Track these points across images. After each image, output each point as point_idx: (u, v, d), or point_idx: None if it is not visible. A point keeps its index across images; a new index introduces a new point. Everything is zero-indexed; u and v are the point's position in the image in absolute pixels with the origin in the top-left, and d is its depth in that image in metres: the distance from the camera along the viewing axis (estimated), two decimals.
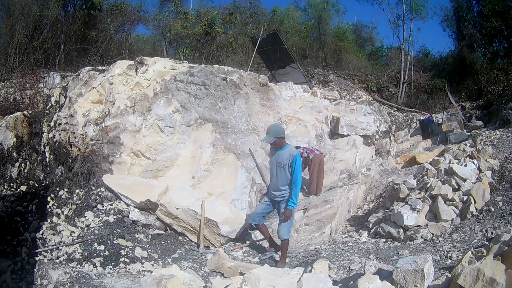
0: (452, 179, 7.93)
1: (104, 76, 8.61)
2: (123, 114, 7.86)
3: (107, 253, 6.02)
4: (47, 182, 7.40)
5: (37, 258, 5.54)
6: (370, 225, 8.11)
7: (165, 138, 8.06)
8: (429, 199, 7.66)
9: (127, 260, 5.98)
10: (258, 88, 11.53)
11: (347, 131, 13.82)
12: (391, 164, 13.91)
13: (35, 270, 5.22)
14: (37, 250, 5.71)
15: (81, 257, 5.80)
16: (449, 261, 5.81)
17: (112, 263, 5.84)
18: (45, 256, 5.67)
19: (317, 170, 10.48)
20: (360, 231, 8.28)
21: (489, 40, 26.30)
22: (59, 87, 9.73)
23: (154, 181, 7.68)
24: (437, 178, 8.38)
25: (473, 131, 14.72)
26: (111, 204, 7.19)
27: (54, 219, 6.49)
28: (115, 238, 6.39)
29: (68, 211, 6.74)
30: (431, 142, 15.86)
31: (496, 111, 17.87)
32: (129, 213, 7.17)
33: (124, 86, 8.39)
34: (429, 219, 7.47)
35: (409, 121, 18.50)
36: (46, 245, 5.85)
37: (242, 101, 10.43)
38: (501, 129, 12.47)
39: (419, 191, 8.22)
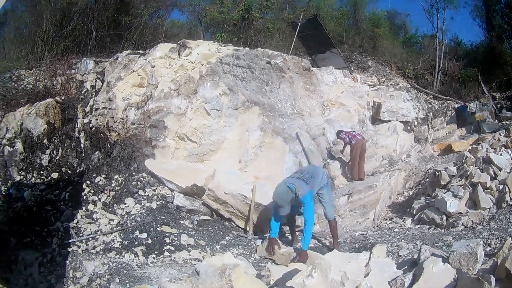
0: (490, 167, 7.65)
1: (145, 59, 8.22)
2: (166, 97, 7.47)
3: (150, 241, 5.50)
4: (82, 169, 7.00)
5: (70, 249, 5.02)
6: (414, 211, 7.86)
7: (211, 121, 7.63)
8: (470, 187, 7.37)
9: (172, 248, 5.46)
10: (301, 72, 10.96)
11: (388, 117, 13.09)
12: (429, 151, 13.29)
13: (67, 262, 4.71)
14: (70, 240, 5.18)
15: (120, 247, 5.27)
16: (488, 248, 5.54)
17: (156, 252, 5.31)
18: (79, 247, 5.17)
19: (359, 155, 9.97)
20: (404, 217, 8.00)
21: None
22: (93, 72, 9.28)
23: (199, 165, 7.29)
24: (475, 166, 8.07)
25: (504, 122, 14.17)
26: (153, 190, 6.69)
27: (90, 206, 5.96)
28: (158, 225, 5.86)
29: (106, 198, 6.24)
30: (465, 131, 15.11)
31: None
32: (173, 198, 6.67)
33: (167, 69, 8.01)
34: (469, 206, 7.21)
35: (445, 109, 17.76)
36: (81, 234, 5.27)
37: (286, 85, 9.88)
38: None
39: (459, 179, 7.90)
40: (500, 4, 26.76)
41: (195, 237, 5.81)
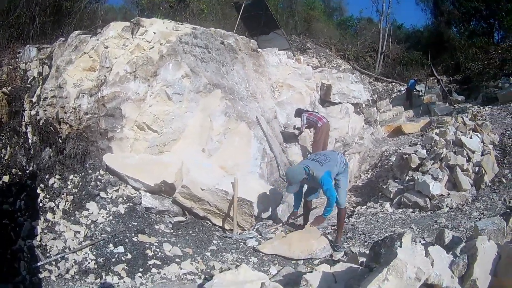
0: (464, 150, 7.88)
1: (97, 40, 6.94)
2: (122, 81, 6.56)
3: (129, 256, 4.62)
4: (32, 169, 5.84)
5: (41, 275, 4.10)
6: (391, 195, 7.85)
7: (173, 107, 6.83)
8: (447, 169, 7.52)
9: (158, 262, 4.64)
10: (250, 53, 10.56)
11: (338, 99, 13.08)
12: (380, 134, 13.57)
13: None
14: (39, 264, 4.23)
15: (97, 267, 4.39)
16: None
17: (141, 269, 4.47)
18: (51, 272, 4.23)
19: (323, 139, 9.79)
20: (380, 201, 7.95)
21: (467, 19, 26.37)
22: (36, 59, 7.83)
23: (164, 158, 6.51)
24: (446, 149, 8.24)
25: (455, 105, 14.73)
26: (116, 191, 5.79)
27: (49, 216, 4.99)
28: (133, 235, 5.01)
29: (65, 204, 5.27)
30: (413, 113, 15.55)
31: (476, 87, 17.90)
32: (140, 199, 5.83)
33: (122, 50, 7.04)
34: (448, 188, 7.38)
35: (390, 91, 18.13)
36: (48, 254, 4.14)
37: (239, 66, 9.39)
38: (489, 106, 12.57)
39: (432, 161, 7.99)
40: None
41: (179, 245, 5.05)
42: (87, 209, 5.15)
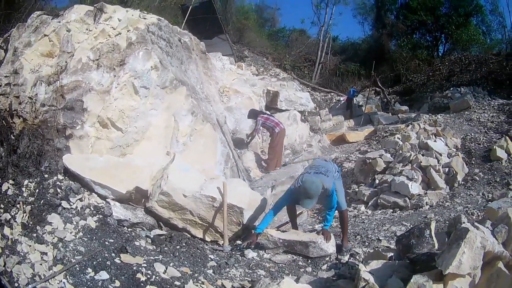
0: (433, 153, 8.30)
1: (59, 22, 5.93)
2: (84, 70, 5.63)
3: (117, 284, 3.64)
4: None
5: None
6: (365, 198, 8.02)
7: (139, 102, 6.07)
8: (419, 170, 7.88)
9: None
10: (200, 55, 10.11)
11: (286, 106, 13.27)
12: (326, 142, 13.64)
13: None
14: None
15: None
16: (474, 216, 6.05)
17: None
18: None
19: (281, 146, 9.73)
20: (353, 204, 8.03)
21: (411, 31, 27.84)
22: None
23: (136, 160, 5.68)
24: (413, 152, 8.59)
25: (400, 115, 15.21)
26: (80, 200, 4.81)
27: (7, 231, 3.86)
28: (114, 255, 4.07)
29: (23, 217, 4.16)
30: (353, 123, 15.81)
31: (420, 98, 18.81)
32: (110, 210, 4.93)
33: (85, 35, 6.11)
34: (423, 188, 7.71)
35: (328, 101, 18.18)
36: (17, 284, 3.12)
37: (194, 66, 8.92)
38: (441, 114, 13.16)
39: (401, 164, 8.28)
40: (396, 4, 29.77)
41: (172, 264, 4.23)
42: (50, 223, 4.11)
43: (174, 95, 6.61)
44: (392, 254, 4.13)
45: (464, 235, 2.81)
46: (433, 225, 3.98)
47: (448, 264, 2.72)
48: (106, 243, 4.21)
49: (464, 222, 3.47)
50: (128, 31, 6.11)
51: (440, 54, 27.51)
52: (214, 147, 7.22)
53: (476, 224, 3.16)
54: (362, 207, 7.68)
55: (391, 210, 7.22)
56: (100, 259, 3.85)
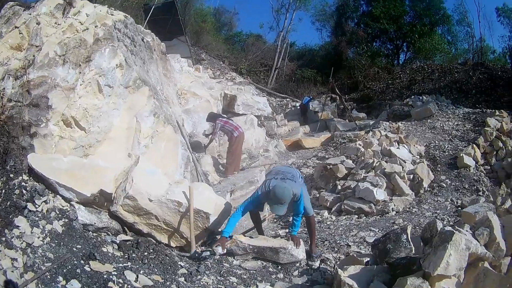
0: (397, 159, 8.41)
1: (30, 14, 5.72)
2: (51, 65, 5.28)
3: None
4: None
5: None
6: (328, 204, 8.01)
7: (102, 101, 5.82)
8: (384, 177, 7.94)
9: None
10: (160, 56, 9.97)
11: (243, 110, 13.39)
12: (282, 147, 13.79)
13: None
14: None
15: None
16: (444, 222, 6.15)
17: None
18: None
19: (239, 150, 9.84)
20: (315, 210, 7.85)
21: (371, 39, 28.39)
22: None
23: (100, 162, 5.37)
24: (375, 159, 8.71)
25: (357, 122, 15.42)
26: (45, 202, 4.47)
27: None
28: (83, 262, 3.84)
29: None
30: (309, 129, 15.95)
31: (378, 105, 19.21)
32: (75, 213, 4.65)
33: (54, 29, 5.72)
34: (388, 194, 7.78)
35: (284, 106, 18.28)
36: None
37: (155, 67, 8.73)
38: (402, 122, 13.42)
39: (364, 170, 8.37)
40: (358, 12, 30.24)
41: (142, 272, 4.03)
42: (17, 226, 3.81)
43: (137, 95, 6.45)
44: (368, 259, 4.23)
45: (450, 238, 2.94)
46: (409, 230, 4.08)
47: (436, 265, 2.83)
48: (74, 249, 3.97)
49: (446, 227, 3.54)
50: (95, 26, 5.87)
51: (400, 63, 28.40)
52: (175, 150, 7.18)
53: (457, 227, 3.31)
54: (326, 213, 7.72)
55: (356, 216, 7.28)
56: (70, 267, 3.62)
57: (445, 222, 6.06)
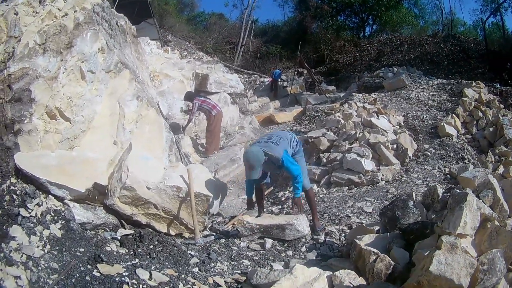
0: (379, 130, 8.33)
1: (7, 5, 5.20)
2: (31, 55, 4.85)
3: None
4: None
5: None
6: (316, 177, 7.82)
7: (85, 88, 5.44)
8: (368, 147, 7.84)
9: None
10: (132, 39, 9.45)
11: (215, 88, 13.18)
12: (256, 123, 13.51)
13: None
14: None
15: None
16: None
17: None
18: None
19: (218, 128, 9.69)
20: None
21: (336, 13, 27.64)
22: None
23: (88, 153, 5.09)
24: (358, 130, 8.57)
25: (328, 95, 15.28)
26: (38, 204, 4.05)
27: None
28: (90, 267, 3.48)
29: None
30: (279, 104, 15.80)
31: (347, 78, 18.85)
32: (71, 213, 4.28)
33: (32, 17, 5.22)
34: (375, 165, 7.71)
35: (252, 82, 18.04)
36: None
37: (129, 51, 8.25)
38: (375, 93, 13.07)
39: (347, 142, 8.23)
40: None
41: (153, 268, 3.76)
42: (13, 238, 3.42)
43: (118, 79, 6.14)
44: (378, 227, 4.20)
45: (464, 199, 2.99)
46: (414, 195, 4.14)
47: (456, 225, 2.87)
48: (78, 253, 3.65)
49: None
50: (75, 11, 5.44)
51: (366, 36, 28.22)
52: (160, 133, 6.91)
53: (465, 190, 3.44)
54: (315, 186, 7.55)
55: (347, 188, 7.18)
56: (78, 275, 3.28)
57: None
